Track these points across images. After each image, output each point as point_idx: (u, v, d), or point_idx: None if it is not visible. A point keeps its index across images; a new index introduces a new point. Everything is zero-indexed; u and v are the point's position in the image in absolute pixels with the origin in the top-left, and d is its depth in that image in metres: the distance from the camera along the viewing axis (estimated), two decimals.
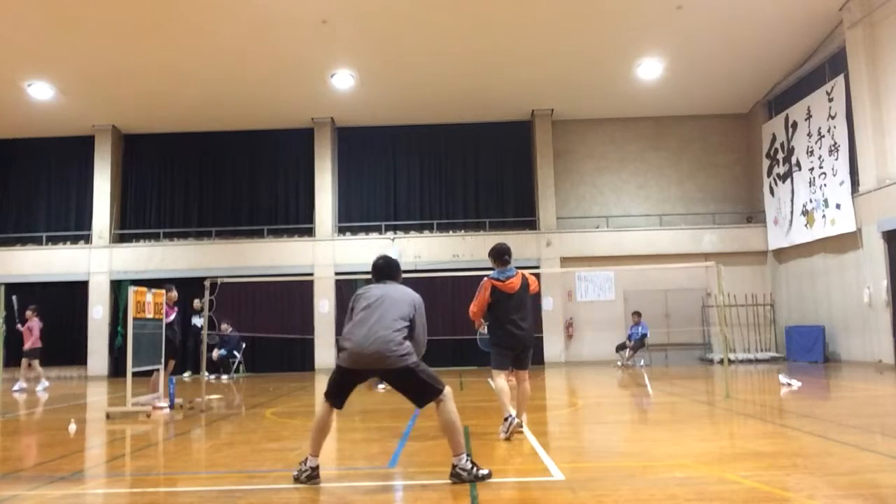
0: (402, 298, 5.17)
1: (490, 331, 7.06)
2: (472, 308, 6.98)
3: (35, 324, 14.47)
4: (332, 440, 7.29)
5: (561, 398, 11.25)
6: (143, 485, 5.25)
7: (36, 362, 14.43)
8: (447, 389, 5.02)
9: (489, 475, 4.89)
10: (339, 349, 5.17)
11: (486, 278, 6.94)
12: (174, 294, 10.93)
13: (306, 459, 5.00)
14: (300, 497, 4.68)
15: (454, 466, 4.88)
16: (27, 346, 14.32)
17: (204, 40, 16.34)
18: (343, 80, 18.23)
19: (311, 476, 4.94)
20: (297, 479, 4.95)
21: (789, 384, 11.07)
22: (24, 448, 7.00)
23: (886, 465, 5.21)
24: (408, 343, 5.03)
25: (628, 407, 9.96)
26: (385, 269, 5.42)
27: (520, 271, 7.01)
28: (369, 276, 5.46)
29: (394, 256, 5.79)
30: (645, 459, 5.67)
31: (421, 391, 5.01)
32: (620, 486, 4.67)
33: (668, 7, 15.50)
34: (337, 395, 5.11)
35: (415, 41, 16.70)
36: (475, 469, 4.88)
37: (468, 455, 4.94)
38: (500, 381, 6.91)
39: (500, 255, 6.95)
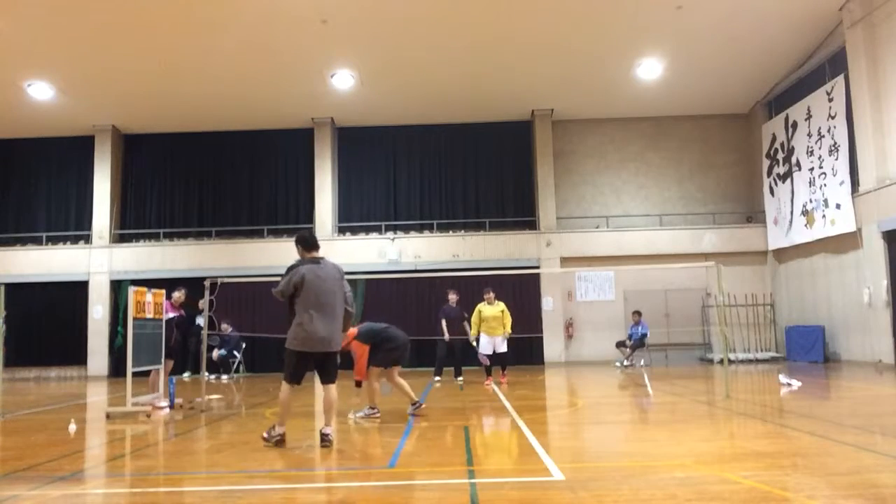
0: (338, 278, 6.64)
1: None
2: None
3: None
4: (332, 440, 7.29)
5: (561, 398, 11.25)
6: (143, 485, 5.25)
7: None
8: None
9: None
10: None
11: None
12: (178, 295, 10.93)
13: (273, 427, 6.54)
14: (300, 497, 4.68)
15: (327, 435, 6.35)
16: None
17: (204, 40, 16.34)
18: (343, 80, 18.22)
19: (279, 441, 6.46)
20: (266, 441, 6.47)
21: (789, 384, 11.08)
22: (24, 448, 6.99)
23: (886, 465, 5.21)
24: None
25: (628, 407, 9.96)
26: (312, 240, 6.82)
27: None
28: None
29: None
30: (645, 459, 5.68)
31: (332, 372, 6.56)
32: (620, 486, 4.67)
33: (668, 7, 15.49)
34: (299, 376, 6.51)
35: (415, 41, 16.70)
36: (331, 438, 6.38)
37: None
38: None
39: None
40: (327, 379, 6.57)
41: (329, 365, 6.55)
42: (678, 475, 4.96)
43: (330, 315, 6.45)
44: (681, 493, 4.39)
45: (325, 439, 6.33)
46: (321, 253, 6.81)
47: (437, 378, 13.61)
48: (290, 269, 6.56)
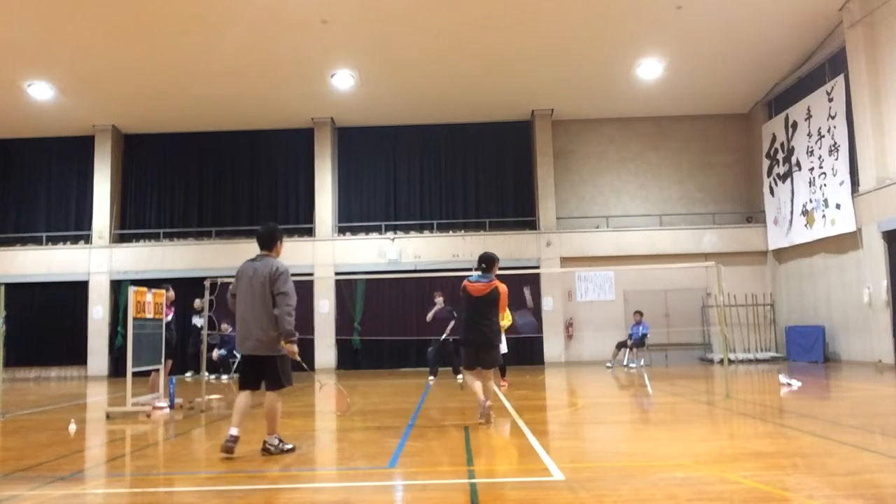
0: (261, 277, 6.06)
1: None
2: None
3: None
4: (332, 440, 7.31)
5: (561, 398, 11.25)
6: (143, 485, 5.25)
7: None
8: (285, 388, 6.16)
9: (293, 449, 6.12)
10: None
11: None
12: (171, 294, 10.93)
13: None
14: (300, 497, 4.68)
15: (265, 443, 6.06)
16: None
17: (204, 40, 16.34)
18: (343, 80, 18.23)
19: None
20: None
21: (789, 384, 11.08)
22: (24, 448, 6.99)
23: (886, 465, 5.21)
24: (275, 333, 5.95)
25: (628, 407, 9.96)
26: (263, 237, 6.49)
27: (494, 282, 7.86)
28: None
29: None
30: (645, 459, 5.68)
31: (269, 377, 6.08)
32: (620, 486, 4.67)
33: (668, 7, 15.50)
34: (246, 382, 6.15)
35: (415, 41, 16.70)
36: (280, 444, 6.07)
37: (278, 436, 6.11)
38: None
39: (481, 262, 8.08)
40: (266, 385, 6.13)
41: (263, 369, 6.07)
42: (678, 475, 4.96)
43: (245, 316, 6.08)
44: (681, 493, 4.39)
45: (263, 447, 6.08)
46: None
47: (432, 378, 13.64)
48: None
